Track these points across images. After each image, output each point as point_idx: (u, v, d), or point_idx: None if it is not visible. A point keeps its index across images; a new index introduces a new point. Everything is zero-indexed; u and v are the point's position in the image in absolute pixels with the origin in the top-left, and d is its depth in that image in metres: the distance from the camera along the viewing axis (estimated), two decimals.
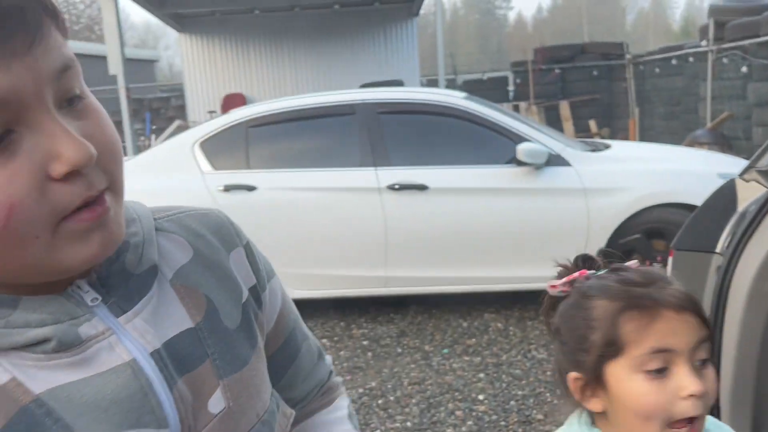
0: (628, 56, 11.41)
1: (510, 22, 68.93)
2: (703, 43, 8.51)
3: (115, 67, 7.77)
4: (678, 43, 11.64)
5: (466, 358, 3.86)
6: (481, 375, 3.62)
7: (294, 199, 4.29)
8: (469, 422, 3.12)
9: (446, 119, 4.43)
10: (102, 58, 8.72)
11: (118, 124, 10.89)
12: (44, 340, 0.52)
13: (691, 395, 0.77)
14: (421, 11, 12.68)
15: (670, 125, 10.39)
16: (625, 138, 9.91)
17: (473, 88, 11.57)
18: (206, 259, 0.67)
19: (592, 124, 11.06)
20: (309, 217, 4.27)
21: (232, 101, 10.62)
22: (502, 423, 3.11)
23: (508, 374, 3.61)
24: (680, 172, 4.27)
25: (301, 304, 5.03)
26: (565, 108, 11.20)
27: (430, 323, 4.48)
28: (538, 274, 4.07)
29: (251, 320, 0.68)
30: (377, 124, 4.41)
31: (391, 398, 3.42)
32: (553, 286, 0.88)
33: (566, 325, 0.87)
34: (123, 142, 9.56)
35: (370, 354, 4.02)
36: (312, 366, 0.83)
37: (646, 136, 10.61)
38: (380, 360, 3.92)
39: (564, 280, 0.88)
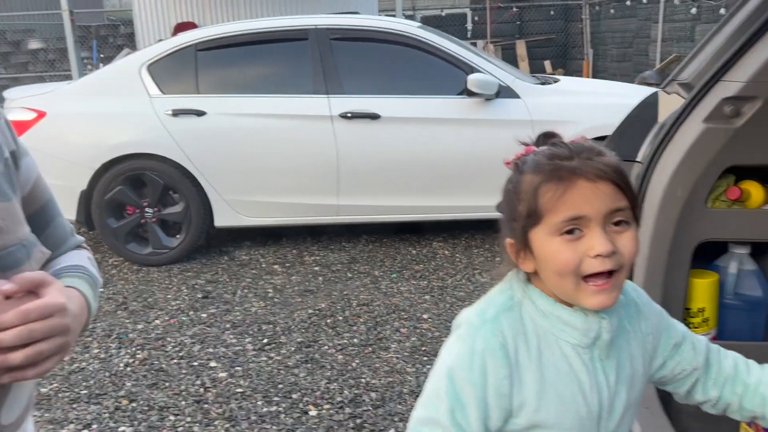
0: None
1: None
2: None
3: None
4: None
5: (413, 282, 4.00)
6: (427, 297, 3.76)
7: (245, 125, 4.26)
8: (413, 338, 3.27)
9: (399, 48, 4.43)
10: None
11: (63, 51, 10.43)
12: None
13: (598, 254, 0.86)
14: None
15: (622, 66, 10.56)
16: None
17: (431, 24, 11.42)
18: None
19: (548, 65, 11.15)
20: (260, 145, 4.26)
21: (184, 30, 10.23)
22: (443, 338, 3.26)
23: (452, 296, 3.77)
24: (624, 105, 4.39)
25: (253, 231, 5.07)
26: (521, 47, 11.22)
27: (380, 251, 4.59)
28: (486, 203, 4.21)
29: (12, 173, 0.86)
30: (330, 50, 4.38)
31: (340, 318, 3.54)
32: (507, 163, 0.97)
33: (503, 197, 0.96)
34: (68, 70, 9.17)
35: (321, 279, 4.12)
36: (65, 236, 1.01)
37: (599, 77, 10.75)
38: (331, 284, 4.03)
39: (513, 157, 0.96)
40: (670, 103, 1.61)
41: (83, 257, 1.00)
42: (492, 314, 0.93)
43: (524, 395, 0.91)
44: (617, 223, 0.88)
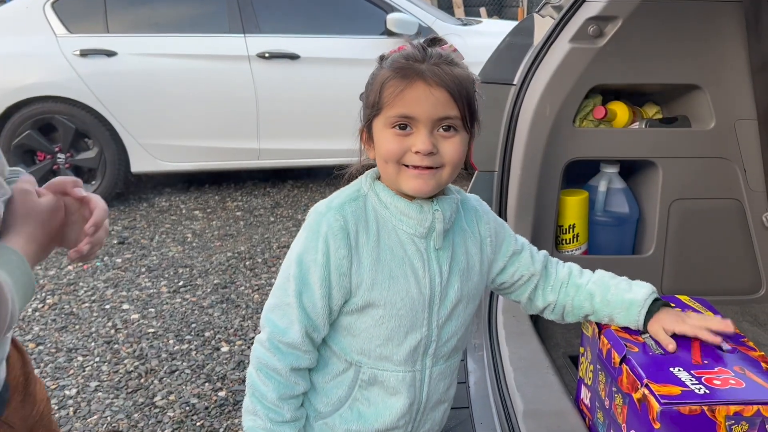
0: None
1: None
2: None
3: None
4: None
5: None
6: None
7: (158, 66, 4.12)
8: None
9: None
10: None
11: None
12: None
13: (417, 151, 0.94)
14: None
15: None
16: None
17: None
18: None
19: (483, 12, 11.12)
20: (175, 86, 4.13)
21: None
22: None
23: None
24: None
25: (174, 177, 4.95)
26: None
27: (305, 195, 4.59)
28: None
29: None
30: None
31: (259, 260, 3.55)
32: (381, 57, 1.01)
33: (364, 89, 1.02)
34: None
35: (242, 223, 4.10)
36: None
37: None
38: (252, 228, 4.02)
39: (388, 52, 1.00)
40: (543, 26, 1.65)
41: None
42: (337, 203, 1.00)
43: (361, 274, 0.98)
44: (446, 129, 0.95)
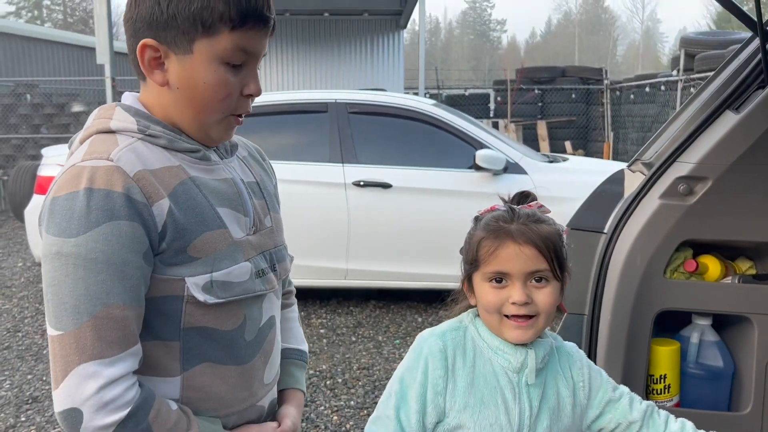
0: (606, 82, 11.78)
1: (503, 45, 69.82)
2: (674, 72, 8.85)
3: (102, 56, 7.93)
4: (653, 72, 12.03)
5: None
6: None
7: None
8: None
9: (413, 123, 4.66)
10: (94, 50, 8.87)
11: None
12: (196, 150, 1.00)
13: (514, 302, 1.06)
14: (415, 27, 12.92)
15: (636, 153, 10.70)
16: None
17: (454, 103, 11.86)
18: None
19: (568, 145, 11.39)
20: None
21: None
22: None
23: None
24: None
25: None
26: (542, 127, 11.52)
27: (387, 317, 4.68)
28: None
29: (277, 196, 1.22)
30: (347, 123, 4.63)
31: (339, 380, 3.61)
32: (476, 218, 1.16)
33: (463, 245, 1.17)
34: None
35: (325, 341, 4.20)
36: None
37: (618, 159, 10.93)
38: (334, 347, 4.11)
39: (482, 212, 1.15)
40: (633, 180, 1.74)
41: (297, 325, 1.29)
42: (440, 331, 1.14)
43: (455, 396, 1.07)
44: (538, 280, 1.07)
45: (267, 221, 1.10)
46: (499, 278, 1.07)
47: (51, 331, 0.89)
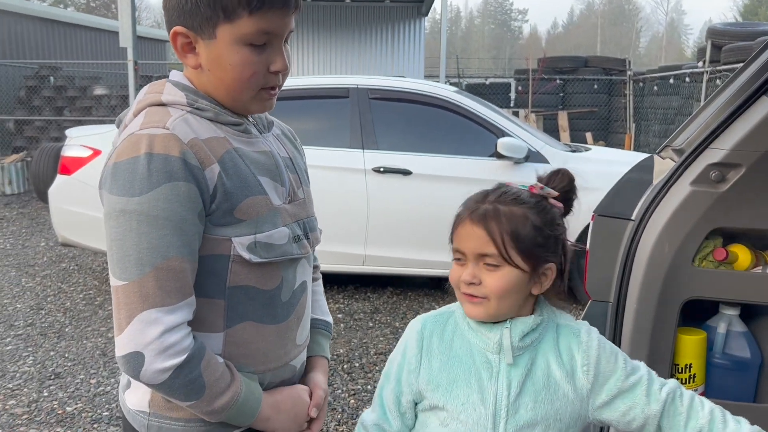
0: (629, 73, 11.61)
1: (524, 35, 69.14)
2: (700, 64, 8.70)
3: (126, 40, 7.97)
4: (677, 63, 11.82)
5: None
6: None
7: None
8: None
9: (434, 110, 4.64)
10: (116, 34, 8.92)
11: (125, 98, 11.10)
12: (239, 124, 1.06)
13: (462, 281, 1.07)
14: (436, 16, 12.81)
15: (663, 143, 10.57)
16: None
17: (475, 92, 11.77)
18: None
19: (589, 136, 11.27)
20: None
21: None
22: None
23: None
24: None
25: None
26: (563, 118, 11.40)
27: (404, 303, 4.68)
28: None
29: (307, 173, 1.26)
30: (368, 108, 4.62)
31: (357, 365, 3.62)
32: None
33: None
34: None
35: (342, 326, 4.22)
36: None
37: (640, 151, 10.80)
38: (351, 332, 4.12)
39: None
40: (663, 167, 1.72)
41: (323, 297, 1.35)
42: (426, 315, 1.18)
43: (430, 376, 1.10)
44: (489, 263, 1.06)
45: (300, 193, 1.16)
46: (458, 257, 1.09)
47: (115, 282, 0.95)
